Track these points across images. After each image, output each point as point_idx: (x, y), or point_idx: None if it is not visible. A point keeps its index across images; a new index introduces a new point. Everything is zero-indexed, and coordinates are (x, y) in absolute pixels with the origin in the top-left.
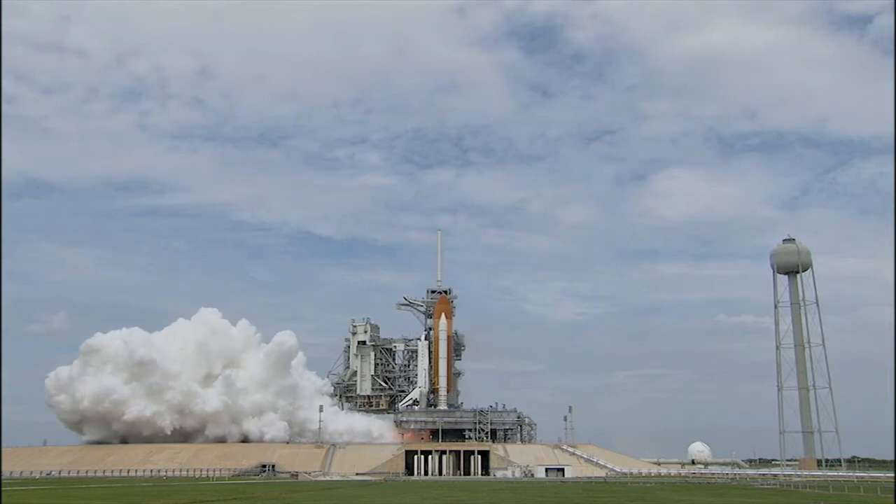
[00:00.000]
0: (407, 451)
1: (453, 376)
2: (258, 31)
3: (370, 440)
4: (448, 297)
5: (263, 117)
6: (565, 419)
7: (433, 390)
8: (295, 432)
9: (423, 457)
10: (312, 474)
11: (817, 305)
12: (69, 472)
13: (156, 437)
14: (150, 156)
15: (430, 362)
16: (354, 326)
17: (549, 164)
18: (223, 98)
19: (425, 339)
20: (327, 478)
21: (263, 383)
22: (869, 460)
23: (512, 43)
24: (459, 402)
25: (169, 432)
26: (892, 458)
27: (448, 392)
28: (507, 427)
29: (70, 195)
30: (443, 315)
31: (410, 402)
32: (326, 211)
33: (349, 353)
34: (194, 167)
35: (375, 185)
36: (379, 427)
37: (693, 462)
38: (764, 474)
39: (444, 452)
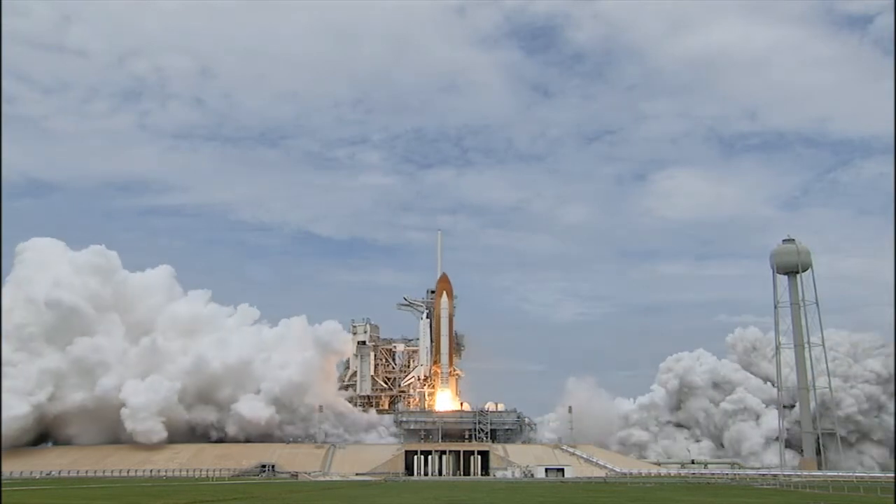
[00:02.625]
0: (407, 452)
1: (454, 367)
2: (258, 31)
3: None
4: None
5: (264, 117)
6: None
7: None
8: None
9: (422, 457)
10: (312, 474)
11: (817, 305)
12: (69, 472)
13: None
14: (151, 156)
15: (431, 340)
16: (354, 327)
17: (549, 163)
18: (223, 98)
19: (426, 317)
20: (327, 478)
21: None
22: None
23: (512, 43)
24: (460, 403)
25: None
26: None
27: (450, 366)
28: (507, 427)
29: (70, 195)
30: (444, 293)
31: (414, 378)
32: (327, 211)
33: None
34: (194, 167)
35: (376, 185)
36: None
37: (693, 462)
38: (764, 474)
39: (443, 452)
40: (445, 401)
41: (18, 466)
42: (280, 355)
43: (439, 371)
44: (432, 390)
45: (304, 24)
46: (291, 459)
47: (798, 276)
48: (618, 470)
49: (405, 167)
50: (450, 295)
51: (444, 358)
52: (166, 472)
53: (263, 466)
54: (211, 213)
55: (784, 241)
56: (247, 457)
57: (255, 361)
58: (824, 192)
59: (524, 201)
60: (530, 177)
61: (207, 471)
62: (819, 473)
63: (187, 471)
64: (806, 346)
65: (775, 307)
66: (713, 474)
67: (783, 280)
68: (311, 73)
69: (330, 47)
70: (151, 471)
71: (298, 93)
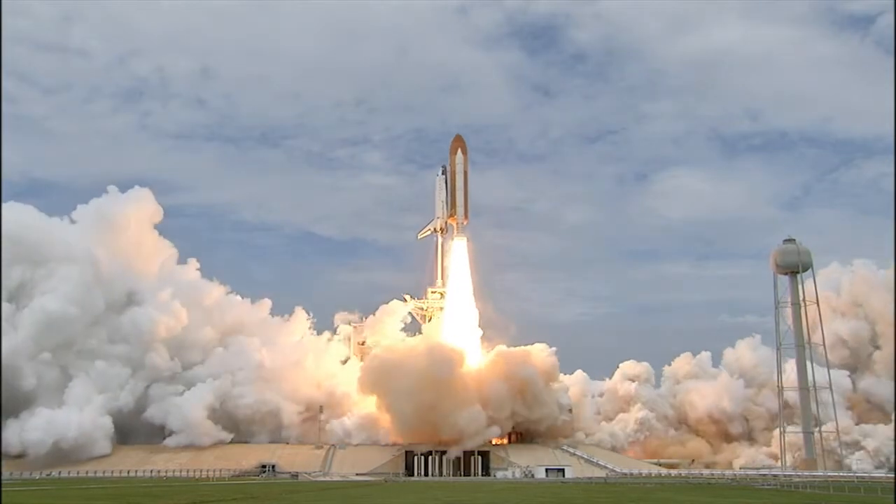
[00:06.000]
0: (407, 452)
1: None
2: (259, 31)
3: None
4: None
5: (265, 117)
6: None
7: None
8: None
9: (423, 457)
10: (313, 475)
11: (818, 306)
12: (69, 473)
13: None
14: (152, 156)
15: (447, 192)
16: (355, 326)
17: (551, 164)
18: (225, 98)
19: (441, 174)
20: (327, 478)
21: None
22: None
23: (514, 43)
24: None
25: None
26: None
27: (465, 219)
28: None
29: (71, 195)
30: (459, 150)
31: (429, 231)
32: (328, 211)
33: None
34: (196, 167)
35: (377, 185)
36: None
37: (692, 462)
38: (765, 474)
39: (443, 453)
40: (460, 252)
41: (18, 467)
42: (325, 361)
43: (455, 223)
44: None
45: (306, 24)
46: (292, 460)
47: (798, 276)
48: (618, 470)
49: (407, 167)
50: (464, 152)
51: (461, 209)
52: (166, 472)
53: (263, 467)
54: (213, 213)
55: (784, 241)
56: (247, 457)
57: (304, 376)
58: (826, 192)
59: (526, 201)
60: (532, 177)
61: (207, 471)
62: (820, 473)
63: (187, 471)
64: (806, 346)
65: (776, 307)
66: (713, 474)
67: (784, 280)
68: (312, 73)
69: (331, 47)
70: (151, 471)
71: (300, 93)
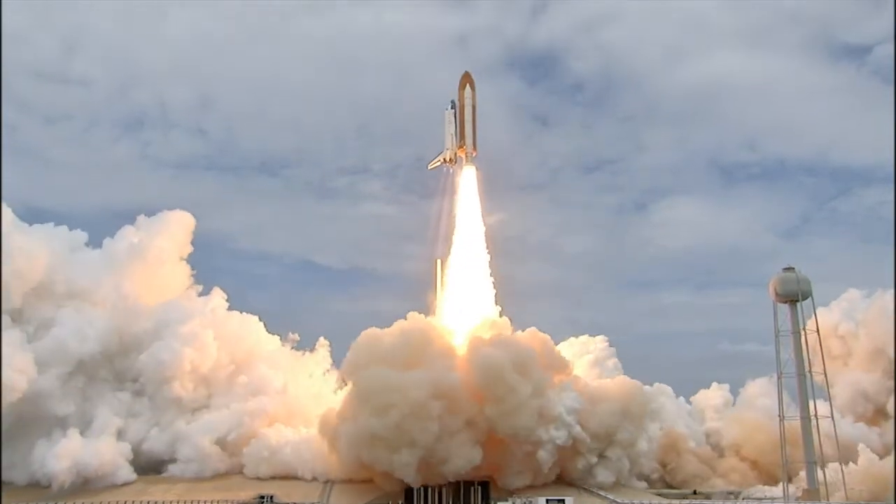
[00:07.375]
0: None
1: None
2: (259, 62)
3: None
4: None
5: (264, 147)
6: None
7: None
8: None
9: (422, 488)
10: None
11: (818, 334)
12: None
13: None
14: (152, 185)
15: (456, 127)
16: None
17: (549, 193)
18: (224, 128)
19: (451, 108)
20: None
21: None
22: None
23: (513, 73)
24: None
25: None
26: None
27: (474, 151)
28: None
29: (72, 224)
30: (467, 86)
31: (438, 163)
32: (327, 240)
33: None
34: (195, 196)
35: (376, 215)
36: None
37: (695, 493)
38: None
39: (444, 484)
40: (468, 179)
41: (14, 498)
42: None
43: (465, 153)
44: None
45: (306, 54)
46: (290, 490)
47: (798, 304)
48: (619, 501)
49: (406, 197)
50: (472, 87)
51: (469, 139)
52: (163, 503)
53: (262, 497)
54: (211, 242)
55: (784, 269)
56: (244, 488)
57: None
58: (825, 221)
59: (525, 231)
60: (531, 206)
61: (204, 502)
62: None
63: (184, 502)
64: (807, 375)
65: (776, 336)
66: None
67: (783, 308)
68: (311, 102)
69: (331, 77)
70: (148, 502)
71: (299, 122)
